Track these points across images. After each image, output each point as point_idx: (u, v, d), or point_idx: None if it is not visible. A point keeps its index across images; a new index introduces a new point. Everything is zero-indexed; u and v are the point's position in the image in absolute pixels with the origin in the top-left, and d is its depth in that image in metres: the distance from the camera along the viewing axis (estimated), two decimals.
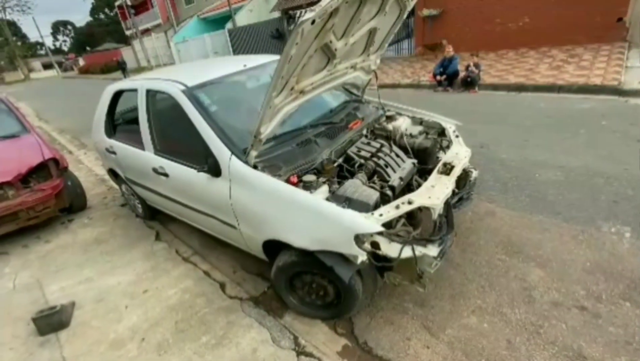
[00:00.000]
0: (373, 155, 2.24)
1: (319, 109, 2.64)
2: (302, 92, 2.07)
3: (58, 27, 60.01)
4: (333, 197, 1.87)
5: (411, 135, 2.61)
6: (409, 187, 2.30)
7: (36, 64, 48.98)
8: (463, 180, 2.39)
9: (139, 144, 2.83)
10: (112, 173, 3.67)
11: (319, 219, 1.76)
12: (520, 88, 6.72)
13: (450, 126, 2.72)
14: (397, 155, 2.32)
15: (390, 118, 2.85)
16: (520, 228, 2.75)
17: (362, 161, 2.21)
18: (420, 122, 2.88)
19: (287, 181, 1.95)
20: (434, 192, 1.89)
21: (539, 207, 2.98)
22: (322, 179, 2.01)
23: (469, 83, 7.26)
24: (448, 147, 2.60)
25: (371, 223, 1.66)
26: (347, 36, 2.02)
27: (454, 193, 2.16)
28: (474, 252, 2.56)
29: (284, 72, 1.59)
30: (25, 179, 3.46)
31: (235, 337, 2.10)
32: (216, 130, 2.16)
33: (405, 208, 1.76)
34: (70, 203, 3.88)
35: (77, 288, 2.70)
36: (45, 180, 3.58)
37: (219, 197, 2.19)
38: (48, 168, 3.62)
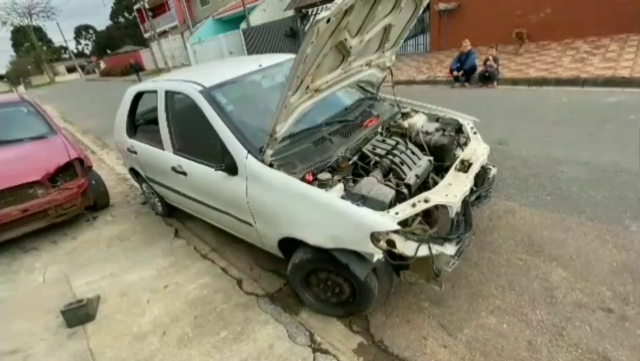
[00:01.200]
0: (388, 152, 2.23)
1: (334, 107, 2.64)
2: (317, 91, 2.07)
3: (80, 31, 62.11)
4: (348, 194, 1.87)
5: (427, 133, 2.57)
6: (425, 185, 2.27)
7: (61, 67, 50.96)
8: (481, 177, 2.35)
9: (159, 144, 2.91)
10: (133, 172, 3.79)
11: (334, 217, 1.76)
12: (541, 82, 6.51)
13: (467, 122, 2.67)
14: (413, 153, 2.29)
15: (405, 116, 2.82)
16: (542, 227, 2.68)
17: (377, 159, 2.20)
18: (437, 118, 2.84)
19: (303, 179, 1.97)
20: (451, 190, 1.86)
21: (562, 205, 2.88)
22: (337, 177, 2.01)
23: (487, 78, 7.08)
24: (465, 144, 2.55)
25: (387, 221, 1.66)
26: (361, 34, 2.02)
27: (472, 191, 2.12)
28: (492, 251, 2.51)
29: (299, 71, 1.60)
30: (53, 178, 3.62)
31: (252, 332, 2.14)
32: (233, 129, 2.20)
33: (422, 206, 1.74)
34: (94, 201, 4.04)
35: (101, 283, 2.81)
36: (72, 179, 3.73)
37: (236, 195, 2.23)
38: (74, 168, 3.77)
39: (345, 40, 1.89)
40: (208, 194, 2.56)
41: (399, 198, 1.96)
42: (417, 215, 1.85)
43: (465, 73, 7.45)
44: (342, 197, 1.85)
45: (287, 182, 1.93)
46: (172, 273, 2.83)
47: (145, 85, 3.18)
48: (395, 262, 1.80)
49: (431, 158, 2.32)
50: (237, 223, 2.45)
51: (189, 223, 3.59)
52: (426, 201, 1.76)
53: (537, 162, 3.65)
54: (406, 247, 1.73)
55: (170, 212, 3.72)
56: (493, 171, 2.43)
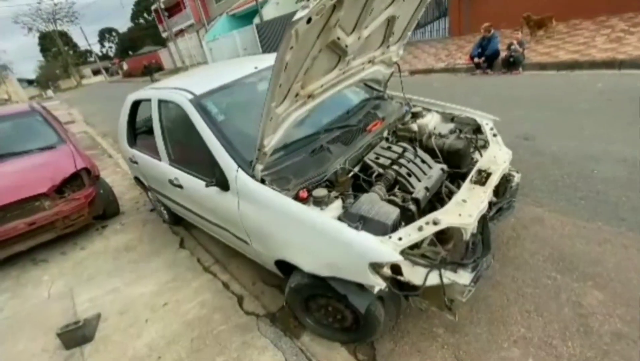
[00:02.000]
0: (394, 162, 1.99)
1: (334, 110, 2.41)
2: (311, 97, 1.86)
3: (104, 34, 64.06)
4: (346, 215, 1.66)
5: (440, 135, 2.30)
6: (438, 195, 2.03)
7: (87, 70, 52.83)
8: (503, 185, 2.07)
9: (156, 155, 2.80)
10: (138, 180, 3.73)
11: (328, 243, 1.57)
12: (572, 66, 5.95)
13: (486, 122, 2.38)
14: (423, 161, 2.04)
15: (416, 116, 2.55)
16: (574, 238, 2.36)
17: (381, 170, 1.96)
18: (452, 118, 2.56)
19: (297, 196, 1.78)
20: (465, 208, 1.61)
21: (598, 212, 2.54)
22: (334, 193, 1.80)
23: (512, 63, 6.57)
24: (485, 146, 2.27)
25: (387, 250, 1.44)
26: (359, 29, 1.78)
27: (491, 205, 1.86)
28: (517, 267, 2.23)
29: (281, 80, 1.39)
30: (60, 189, 3.61)
31: (249, 360, 2.00)
32: (222, 141, 2.04)
33: (430, 229, 1.51)
34: (103, 210, 4.04)
35: (104, 299, 2.76)
36: (79, 189, 3.72)
37: (229, 212, 2.07)
38: (81, 178, 3.76)
39: (339, 39, 1.65)
40: (204, 209, 2.42)
41: (406, 215, 1.74)
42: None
43: (487, 59, 6.96)
44: (339, 218, 1.65)
45: (277, 200, 1.75)
46: (173, 288, 2.74)
47: (142, 93, 3.06)
48: (402, 292, 1.58)
49: (444, 166, 2.06)
50: (235, 240, 2.31)
51: (195, 232, 3.50)
52: (435, 223, 1.52)
53: (568, 159, 3.28)
54: (413, 275, 1.52)
55: (177, 220, 3.64)
56: (516, 178, 2.14)
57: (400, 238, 1.48)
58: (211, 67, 3.66)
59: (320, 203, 1.74)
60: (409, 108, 2.65)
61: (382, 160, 2.01)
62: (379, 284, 1.48)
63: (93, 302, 2.76)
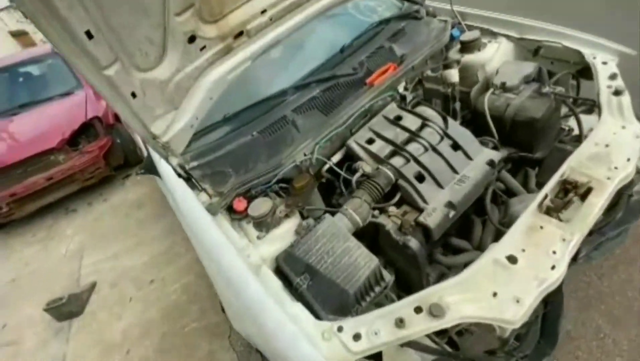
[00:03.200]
0: (398, 149, 1.13)
1: (318, 49, 1.47)
2: (244, 35, 1.04)
3: None
4: (286, 258, 0.98)
5: (504, 87, 1.28)
6: (479, 201, 1.16)
7: None
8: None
9: None
10: None
11: (244, 309, 0.94)
12: None
13: (603, 61, 1.23)
14: (456, 146, 1.13)
15: (468, 48, 1.48)
16: None
17: (369, 169, 1.14)
18: (536, 49, 1.45)
19: (230, 207, 1.13)
20: (510, 282, 0.78)
21: None
22: (281, 209, 1.09)
23: None
24: (592, 110, 1.22)
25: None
26: None
27: (578, 252, 0.96)
28: (606, 310, 1.35)
29: (85, 12, 0.63)
30: (76, 140, 3.49)
31: None
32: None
33: (418, 328, 0.75)
34: (125, 159, 3.91)
35: (104, 265, 2.71)
36: (95, 139, 3.57)
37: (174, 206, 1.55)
38: (95, 128, 3.58)
39: None
40: None
41: (404, 256, 0.99)
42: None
43: None
44: (278, 263, 0.98)
45: (193, 213, 1.13)
46: (163, 262, 2.53)
47: None
48: None
49: (495, 155, 1.13)
50: None
51: None
52: (434, 315, 0.75)
53: None
54: None
55: None
56: None
57: (357, 336, 0.76)
58: None
59: (260, 225, 1.07)
60: (459, 32, 1.57)
61: (376, 146, 1.16)
62: None
63: (95, 266, 2.74)
